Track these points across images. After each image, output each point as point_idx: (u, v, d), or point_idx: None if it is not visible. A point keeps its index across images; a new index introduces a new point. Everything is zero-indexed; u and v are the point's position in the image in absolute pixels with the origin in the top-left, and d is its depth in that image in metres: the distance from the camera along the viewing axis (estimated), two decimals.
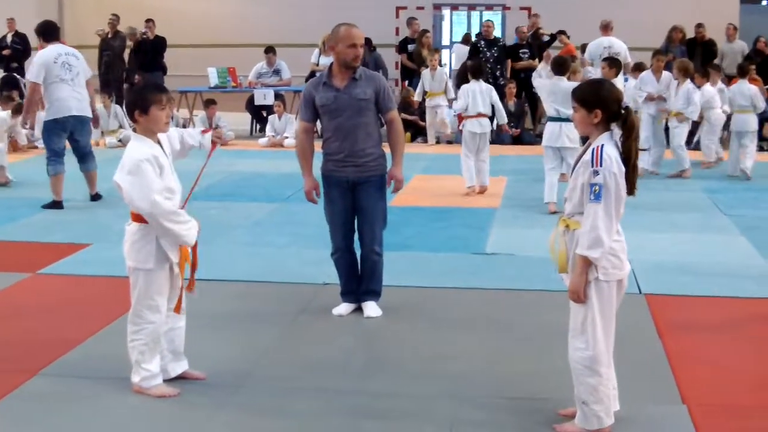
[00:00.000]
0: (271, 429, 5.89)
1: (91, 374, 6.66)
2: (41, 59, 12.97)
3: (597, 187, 5.41)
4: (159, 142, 6.23)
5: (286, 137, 19.82)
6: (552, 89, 12.87)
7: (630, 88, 16.00)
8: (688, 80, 15.62)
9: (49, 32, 13.35)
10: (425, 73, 19.79)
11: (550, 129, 12.80)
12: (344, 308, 8.21)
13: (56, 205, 12.85)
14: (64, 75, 12.84)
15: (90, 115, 13.30)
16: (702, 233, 11.51)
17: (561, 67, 13.08)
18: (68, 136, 13.11)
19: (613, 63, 14.70)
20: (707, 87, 16.56)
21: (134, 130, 6.34)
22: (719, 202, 13.41)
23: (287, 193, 13.94)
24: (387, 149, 8.09)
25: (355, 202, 8.04)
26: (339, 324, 7.96)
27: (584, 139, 5.87)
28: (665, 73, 16.34)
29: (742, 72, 16.60)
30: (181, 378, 6.46)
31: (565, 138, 12.55)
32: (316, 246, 10.42)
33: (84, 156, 13.27)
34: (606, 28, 18.59)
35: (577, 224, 5.58)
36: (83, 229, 11.36)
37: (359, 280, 8.25)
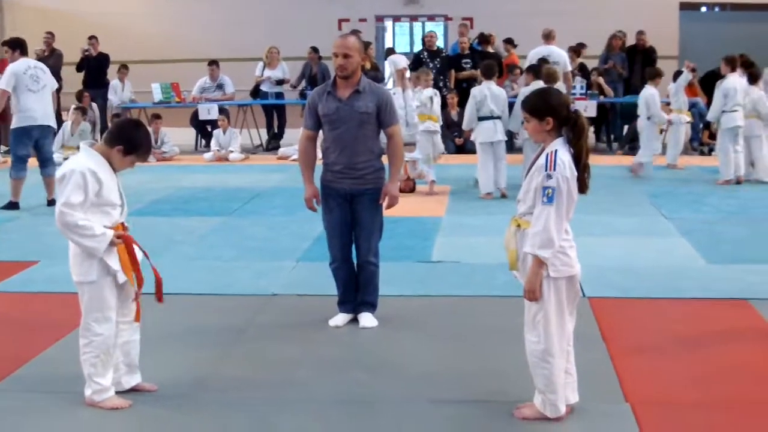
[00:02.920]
0: None
1: (43, 389, 6.67)
2: (12, 69, 13.99)
3: (550, 190, 5.65)
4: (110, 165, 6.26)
5: (231, 151, 19.87)
6: (485, 92, 14.74)
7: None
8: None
9: (19, 46, 14.31)
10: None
11: (486, 127, 14.71)
12: (341, 319, 8.25)
13: (13, 206, 13.93)
14: (32, 86, 13.87)
15: (53, 124, 14.39)
16: (644, 237, 11.72)
17: (491, 71, 15.18)
18: (33, 144, 14.02)
19: (530, 69, 15.49)
20: None
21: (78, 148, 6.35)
22: (661, 206, 13.62)
23: (233, 207, 14.00)
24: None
25: (352, 214, 8.08)
26: (288, 333, 8.01)
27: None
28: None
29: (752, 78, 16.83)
30: (133, 390, 6.50)
31: (500, 133, 14.70)
32: (262, 258, 10.55)
33: (45, 161, 14.21)
34: (548, 37, 18.73)
35: (527, 224, 5.80)
36: (30, 246, 11.34)
37: (356, 291, 8.31)
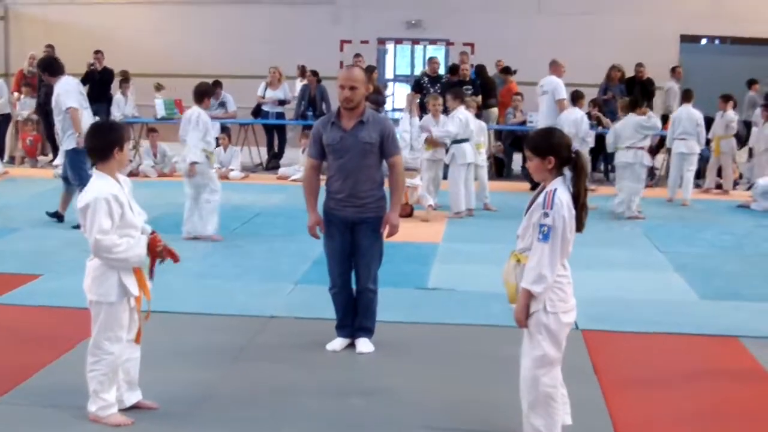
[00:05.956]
0: None
1: (47, 403, 6.81)
2: (74, 85, 13.91)
3: (546, 228, 5.82)
4: (117, 180, 6.43)
5: (232, 169, 19.98)
6: (467, 116, 15.65)
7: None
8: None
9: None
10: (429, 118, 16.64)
11: (464, 149, 15.53)
12: (338, 343, 8.40)
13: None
14: (84, 103, 13.75)
15: None
16: (638, 270, 11.86)
17: (459, 96, 16.07)
18: None
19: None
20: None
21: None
22: (655, 239, 13.77)
23: (233, 225, 14.13)
24: None
25: (353, 241, 8.24)
26: (286, 355, 8.17)
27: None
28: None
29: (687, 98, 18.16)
30: (134, 408, 6.64)
31: (476, 156, 15.90)
32: (262, 279, 10.68)
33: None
34: (550, 66, 18.84)
35: (527, 259, 5.95)
36: (34, 259, 11.38)
37: (354, 316, 8.46)
